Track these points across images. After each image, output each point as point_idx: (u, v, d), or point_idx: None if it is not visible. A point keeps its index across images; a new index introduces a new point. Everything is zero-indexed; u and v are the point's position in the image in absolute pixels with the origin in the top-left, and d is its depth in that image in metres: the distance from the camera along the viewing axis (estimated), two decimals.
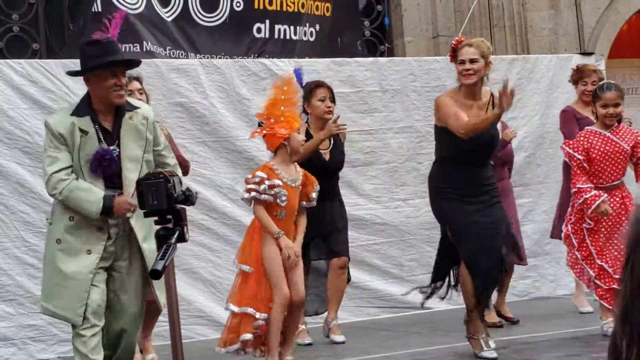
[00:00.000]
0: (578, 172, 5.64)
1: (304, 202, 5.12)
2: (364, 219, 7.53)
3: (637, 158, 5.74)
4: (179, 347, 3.37)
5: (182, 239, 2.77)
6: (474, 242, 5.19)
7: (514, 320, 6.66)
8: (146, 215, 2.97)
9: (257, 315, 4.87)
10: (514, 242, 5.55)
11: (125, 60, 4.44)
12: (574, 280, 6.87)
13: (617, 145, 5.68)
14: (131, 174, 4.19)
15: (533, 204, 8.14)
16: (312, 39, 9.78)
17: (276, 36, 9.61)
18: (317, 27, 9.85)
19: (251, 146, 6.97)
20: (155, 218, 2.86)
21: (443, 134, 5.35)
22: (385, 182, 7.71)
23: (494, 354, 5.24)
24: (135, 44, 8.54)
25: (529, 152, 8.19)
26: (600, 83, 6.03)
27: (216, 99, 7.15)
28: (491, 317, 6.44)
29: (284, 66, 7.47)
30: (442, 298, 5.72)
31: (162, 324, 6.39)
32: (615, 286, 5.55)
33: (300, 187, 5.08)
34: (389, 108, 7.77)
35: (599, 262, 5.60)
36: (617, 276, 5.46)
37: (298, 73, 6.23)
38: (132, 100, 4.59)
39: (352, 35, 10.30)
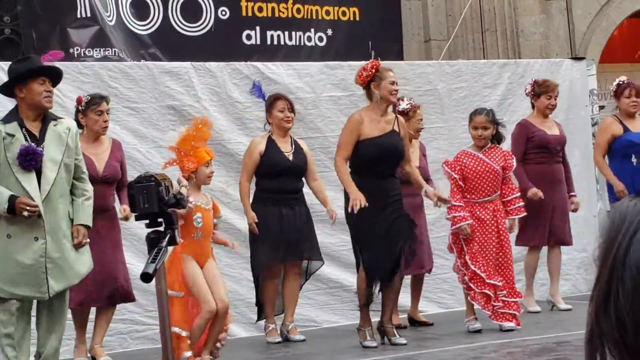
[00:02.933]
0: (454, 189, 6.38)
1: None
2: None
3: (504, 177, 6.47)
4: (170, 350, 3.37)
5: (173, 242, 2.78)
6: (371, 249, 5.88)
7: (428, 323, 6.96)
8: (137, 218, 2.99)
9: (184, 334, 5.26)
10: (413, 253, 6.11)
11: (51, 68, 5.14)
12: (525, 282, 7.24)
13: (488, 165, 6.42)
14: (50, 172, 4.87)
15: None
16: (321, 44, 9.84)
17: (269, 42, 9.65)
18: (330, 32, 9.90)
19: (243, 149, 6.97)
20: (146, 221, 2.86)
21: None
22: None
23: (374, 344, 6.00)
24: (107, 49, 8.66)
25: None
26: (475, 109, 6.73)
27: (208, 102, 7.15)
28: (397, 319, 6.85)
29: (276, 69, 7.48)
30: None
31: (150, 328, 6.38)
32: (486, 290, 6.30)
33: (212, 210, 5.52)
34: None
35: (472, 267, 6.26)
36: (489, 281, 6.28)
37: (259, 87, 6.99)
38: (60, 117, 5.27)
39: (383, 40, 10.33)
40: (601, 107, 7.91)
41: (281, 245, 6.40)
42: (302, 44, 9.83)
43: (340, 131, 6.31)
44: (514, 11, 10.18)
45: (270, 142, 6.51)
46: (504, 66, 8.33)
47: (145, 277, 2.77)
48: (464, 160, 6.46)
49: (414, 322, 7.02)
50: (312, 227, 6.60)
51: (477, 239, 6.36)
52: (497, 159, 6.47)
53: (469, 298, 6.41)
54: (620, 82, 7.37)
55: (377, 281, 5.97)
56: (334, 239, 7.06)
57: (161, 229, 2.77)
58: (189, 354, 5.26)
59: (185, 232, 5.35)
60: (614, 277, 0.87)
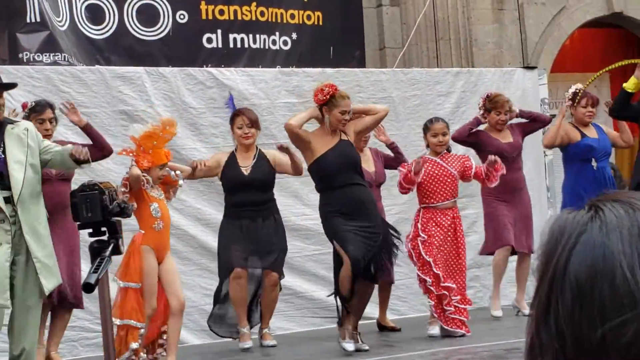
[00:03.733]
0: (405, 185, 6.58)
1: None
2: (310, 229, 7.52)
3: (467, 178, 6.65)
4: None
5: (116, 251, 2.74)
6: (354, 242, 5.96)
7: (396, 329, 7.04)
8: (80, 227, 2.95)
9: (139, 325, 5.40)
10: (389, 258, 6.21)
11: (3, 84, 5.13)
12: (493, 286, 7.34)
13: (446, 169, 6.56)
14: (17, 174, 4.85)
15: (477, 215, 8.22)
16: (286, 48, 9.83)
17: (231, 45, 9.61)
18: (295, 35, 9.90)
19: (197, 155, 6.93)
20: (90, 230, 2.82)
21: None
22: None
23: (351, 347, 6.03)
24: (56, 54, 8.57)
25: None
26: (430, 118, 6.91)
27: (161, 107, 7.10)
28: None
29: (231, 75, 7.45)
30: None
31: (100, 335, 6.30)
32: (445, 292, 6.39)
33: (163, 197, 5.68)
34: None
35: (435, 270, 6.36)
36: (445, 284, 6.37)
37: (231, 99, 7.12)
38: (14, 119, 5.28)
39: (345, 45, 10.36)
40: (552, 116, 8.01)
41: (243, 252, 6.44)
42: (267, 47, 9.83)
43: None
44: (467, 20, 10.28)
45: (231, 158, 6.61)
46: (457, 75, 8.41)
47: (87, 288, 2.73)
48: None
49: (383, 327, 7.08)
50: (278, 239, 6.59)
51: (435, 242, 6.46)
52: (454, 164, 6.62)
53: (429, 300, 6.47)
54: (577, 91, 7.46)
55: (363, 271, 6.02)
56: (288, 245, 7.05)
57: (105, 238, 2.74)
58: (136, 345, 5.35)
59: (145, 223, 5.50)
60: (554, 289, 0.87)
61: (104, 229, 2.75)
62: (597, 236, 0.87)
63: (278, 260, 6.59)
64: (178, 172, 5.89)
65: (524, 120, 7.55)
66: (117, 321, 5.40)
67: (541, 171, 8.35)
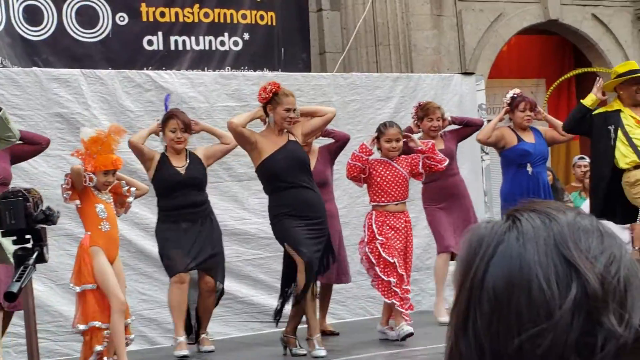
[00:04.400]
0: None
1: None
2: (249, 233, 7.50)
3: (417, 174, 6.61)
4: None
5: (41, 259, 2.68)
6: (306, 244, 5.90)
7: (334, 333, 7.05)
8: (4, 234, 2.88)
9: (103, 326, 5.38)
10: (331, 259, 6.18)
11: None
12: (436, 293, 7.32)
13: (397, 170, 6.57)
14: None
15: (415, 219, 8.28)
16: (237, 49, 9.78)
17: (172, 47, 9.53)
18: (247, 36, 9.85)
19: (133, 158, 6.85)
20: (14, 238, 2.76)
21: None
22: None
23: (303, 351, 6.03)
24: None
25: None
26: (383, 122, 6.84)
27: (98, 110, 7.00)
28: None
29: (169, 78, 7.39)
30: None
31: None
32: (408, 295, 6.44)
33: (112, 201, 5.67)
34: None
35: (400, 271, 6.35)
36: (405, 286, 6.38)
37: (166, 98, 7.00)
38: None
39: (295, 48, 10.30)
40: (489, 121, 8.11)
41: (186, 256, 6.29)
42: (213, 48, 9.76)
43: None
44: (406, 26, 10.37)
45: (163, 159, 6.43)
46: (396, 80, 8.47)
47: (10, 297, 2.66)
48: (374, 164, 6.57)
49: (322, 332, 6.90)
50: (216, 242, 6.48)
51: (393, 244, 6.43)
52: (404, 166, 6.64)
53: (395, 301, 6.35)
54: (516, 95, 7.52)
55: (317, 272, 6.00)
56: (227, 250, 7.01)
57: (29, 245, 2.68)
58: (100, 347, 5.35)
59: (90, 223, 5.51)
60: (472, 300, 0.88)
61: (28, 236, 2.70)
62: (514, 247, 0.88)
63: (220, 265, 6.50)
64: (133, 188, 5.81)
65: (457, 126, 7.62)
66: (81, 327, 5.40)
67: (478, 175, 8.45)
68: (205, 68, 9.64)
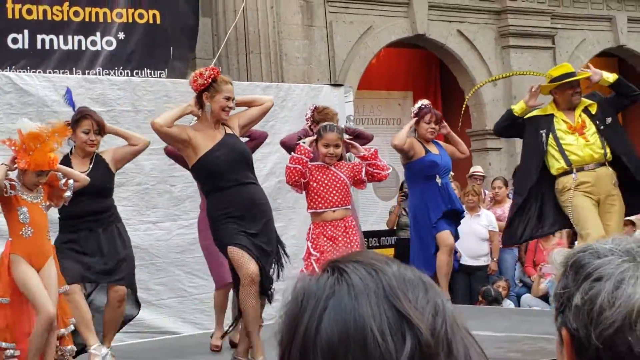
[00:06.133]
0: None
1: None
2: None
3: (359, 182, 6.24)
4: None
5: None
6: (254, 255, 5.33)
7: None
8: None
9: (4, 345, 4.91)
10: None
11: None
12: None
13: (336, 175, 6.18)
14: None
15: (283, 228, 8.31)
16: (110, 49, 9.50)
17: (39, 46, 9.20)
18: (122, 35, 9.59)
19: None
20: None
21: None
22: (136, 204, 7.54)
23: None
24: None
25: (280, 178, 8.35)
26: (323, 124, 6.38)
27: None
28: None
29: (31, 80, 7.12)
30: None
31: None
32: None
33: (43, 201, 5.18)
34: (142, 129, 7.60)
35: None
36: None
37: (69, 91, 6.54)
38: None
39: (182, 48, 10.07)
40: (371, 134, 8.20)
41: (82, 267, 5.83)
42: (83, 48, 9.47)
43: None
44: (278, 35, 10.40)
45: (66, 163, 5.79)
46: (266, 89, 8.46)
47: None
48: (311, 169, 6.16)
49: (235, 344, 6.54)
50: (123, 250, 6.00)
51: (327, 257, 6.03)
52: (344, 171, 6.28)
53: None
54: (422, 106, 7.49)
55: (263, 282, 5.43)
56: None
57: None
58: None
59: (12, 230, 5.07)
60: (306, 355, 0.86)
61: None
62: (347, 300, 0.87)
63: (127, 273, 6.00)
64: (71, 180, 5.31)
65: (347, 136, 7.64)
66: None
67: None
68: (74, 69, 9.36)
